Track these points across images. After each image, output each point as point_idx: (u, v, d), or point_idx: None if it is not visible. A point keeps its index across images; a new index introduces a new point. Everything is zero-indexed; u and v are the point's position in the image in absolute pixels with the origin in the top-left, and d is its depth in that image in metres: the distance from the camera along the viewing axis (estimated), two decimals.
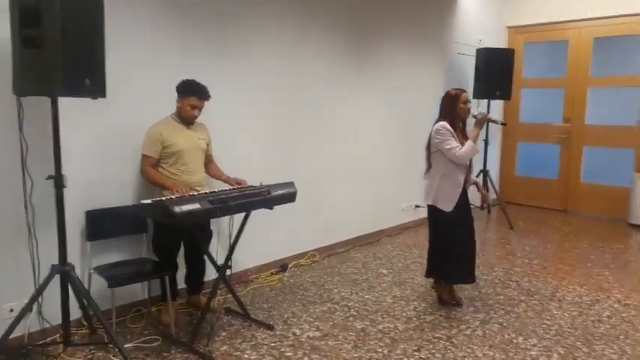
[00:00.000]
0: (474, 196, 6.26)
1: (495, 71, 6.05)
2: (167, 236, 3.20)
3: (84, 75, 2.42)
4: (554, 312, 3.53)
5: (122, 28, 3.10)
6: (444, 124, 3.34)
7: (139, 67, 3.27)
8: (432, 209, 3.46)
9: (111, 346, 2.82)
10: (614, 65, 6.64)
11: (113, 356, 2.77)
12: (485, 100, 6.26)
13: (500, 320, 3.38)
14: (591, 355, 2.93)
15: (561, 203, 6.95)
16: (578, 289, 3.98)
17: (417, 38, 5.69)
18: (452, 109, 3.39)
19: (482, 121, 3.40)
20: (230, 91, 3.80)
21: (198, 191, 3.06)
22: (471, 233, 3.50)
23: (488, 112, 6.19)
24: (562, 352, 2.96)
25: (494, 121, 3.56)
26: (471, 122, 3.49)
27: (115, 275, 2.94)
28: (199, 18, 3.58)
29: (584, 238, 5.57)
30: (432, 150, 3.42)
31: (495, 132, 7.14)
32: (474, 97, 6.29)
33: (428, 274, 3.67)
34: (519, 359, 2.86)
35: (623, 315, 3.51)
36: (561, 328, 3.27)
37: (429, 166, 3.47)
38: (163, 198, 2.78)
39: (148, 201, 2.70)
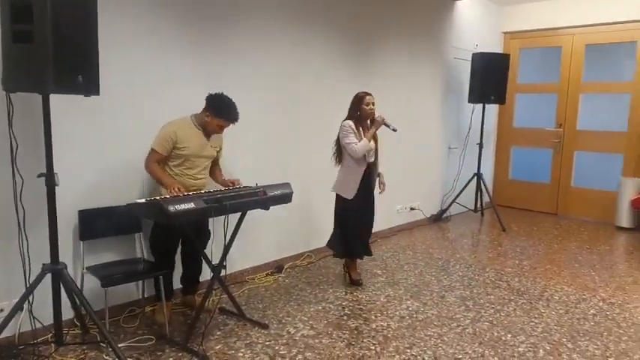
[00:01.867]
0: (468, 199, 6.42)
1: (490, 76, 6.11)
2: (165, 236, 3.21)
3: (76, 72, 2.39)
4: (542, 310, 3.59)
5: (122, 29, 3.13)
6: (349, 122, 3.80)
7: (139, 68, 3.28)
8: (337, 197, 3.96)
9: (104, 345, 2.84)
10: (606, 71, 6.74)
11: (106, 356, 2.77)
12: (480, 105, 6.34)
13: (491, 319, 3.42)
14: (575, 351, 2.99)
15: (552, 206, 7.02)
16: (565, 289, 4.04)
17: (415, 42, 5.75)
18: (356, 109, 3.82)
19: (378, 123, 3.78)
20: (228, 91, 3.80)
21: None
22: (370, 218, 4.07)
23: (484, 117, 6.33)
24: (548, 348, 3.02)
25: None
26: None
27: (108, 275, 2.94)
28: (200, 18, 3.59)
29: (572, 240, 5.65)
30: (340, 145, 3.88)
31: (490, 136, 7.21)
32: (469, 102, 6.39)
33: (334, 251, 4.13)
34: (507, 355, 2.91)
35: (608, 313, 3.58)
36: (548, 326, 3.33)
37: (340, 160, 3.93)
38: (158, 197, 2.79)
39: (142, 200, 2.72)
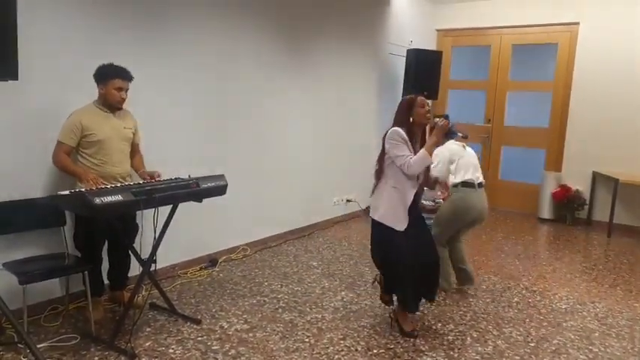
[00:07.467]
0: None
1: (424, 72, 6.28)
2: (90, 230, 3.06)
3: None
4: (470, 300, 3.74)
5: (39, 13, 2.93)
6: (398, 129, 2.95)
7: (57, 53, 3.10)
8: (378, 226, 3.03)
9: (21, 346, 2.67)
10: (530, 71, 7.11)
11: (23, 357, 2.61)
12: None
13: (422, 309, 3.51)
14: (500, 338, 3.13)
15: None
16: (492, 278, 4.24)
17: (351, 36, 5.79)
18: (407, 115, 3.01)
19: (442, 130, 2.98)
20: (158, 82, 3.70)
21: (120, 182, 2.95)
22: (428, 248, 3.07)
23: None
24: (475, 335, 3.15)
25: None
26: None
27: (26, 271, 2.75)
28: (125, 4, 3.43)
29: (499, 231, 5.94)
30: (385, 158, 3.01)
31: None
32: (403, 97, 6.52)
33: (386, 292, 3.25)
34: (437, 344, 3.01)
35: (530, 300, 3.78)
36: (475, 314, 3.48)
37: (379, 179, 3.07)
38: (83, 189, 2.64)
39: (66, 192, 2.57)
